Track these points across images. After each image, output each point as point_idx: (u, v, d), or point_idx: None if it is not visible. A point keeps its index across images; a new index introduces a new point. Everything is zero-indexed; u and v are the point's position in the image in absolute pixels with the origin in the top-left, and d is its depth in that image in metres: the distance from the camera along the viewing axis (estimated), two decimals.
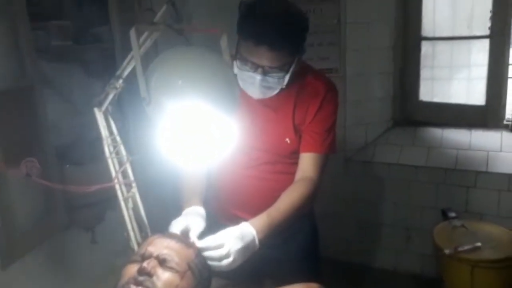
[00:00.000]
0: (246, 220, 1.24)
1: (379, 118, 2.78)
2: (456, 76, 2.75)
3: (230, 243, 1.12)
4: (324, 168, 1.42)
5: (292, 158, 1.42)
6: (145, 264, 0.97)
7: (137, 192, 1.22)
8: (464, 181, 2.47)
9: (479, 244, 1.99)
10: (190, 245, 1.10)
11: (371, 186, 2.71)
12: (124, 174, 1.22)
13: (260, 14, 1.21)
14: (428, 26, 2.69)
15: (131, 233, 1.18)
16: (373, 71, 2.69)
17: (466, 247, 1.97)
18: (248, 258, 1.37)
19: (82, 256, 2.03)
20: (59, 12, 2.38)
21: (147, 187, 1.38)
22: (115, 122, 1.26)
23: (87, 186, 1.14)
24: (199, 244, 1.12)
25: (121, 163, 1.21)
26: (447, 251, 1.98)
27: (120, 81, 1.14)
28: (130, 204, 1.20)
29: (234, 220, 1.30)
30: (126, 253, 1.20)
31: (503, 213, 2.40)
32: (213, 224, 1.28)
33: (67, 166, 2.04)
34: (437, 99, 2.77)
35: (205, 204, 1.35)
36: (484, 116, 2.61)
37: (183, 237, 1.15)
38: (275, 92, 1.31)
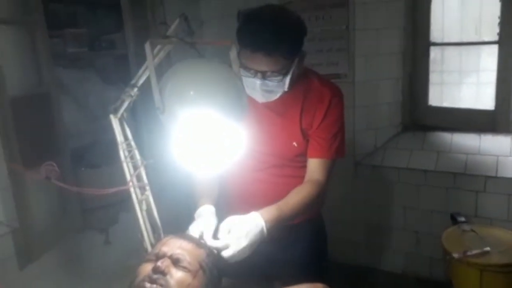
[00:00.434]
0: None
1: (388, 122, 2.80)
2: (465, 81, 2.76)
3: (234, 244, 1.16)
4: (331, 171, 1.46)
5: (300, 161, 1.46)
6: (159, 263, 1.02)
7: (150, 195, 1.27)
8: (474, 186, 2.47)
9: (488, 248, 2.00)
10: (201, 245, 1.14)
11: (381, 190, 2.73)
12: (138, 178, 1.27)
13: (255, 22, 1.27)
14: (437, 31, 2.70)
15: (145, 234, 1.23)
16: (382, 76, 2.71)
17: (475, 252, 1.98)
18: (257, 260, 1.41)
19: (97, 256, 2.09)
20: (74, 20, 2.45)
21: (160, 191, 1.42)
22: (129, 128, 1.31)
23: (102, 188, 1.19)
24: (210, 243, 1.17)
25: (135, 167, 1.26)
26: (456, 255, 1.99)
27: (135, 89, 1.19)
28: (144, 207, 1.25)
29: None
30: (139, 254, 1.25)
31: None
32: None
33: (83, 169, 2.10)
34: (446, 103, 2.78)
35: (217, 205, 1.39)
36: (493, 121, 2.61)
37: (195, 237, 1.19)
38: (278, 95, 1.36)
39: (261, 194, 1.32)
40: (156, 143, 2.16)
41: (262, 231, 1.21)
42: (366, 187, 2.76)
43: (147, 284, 0.99)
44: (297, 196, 1.35)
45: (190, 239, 1.15)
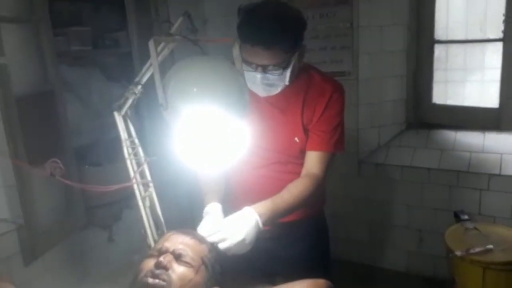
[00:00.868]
0: None
1: (392, 120, 2.80)
2: (469, 79, 2.75)
3: (230, 237, 1.18)
4: (329, 165, 1.46)
5: (303, 157, 1.46)
6: (161, 258, 1.03)
7: (154, 192, 1.28)
8: (477, 184, 2.46)
9: (491, 246, 2.00)
10: (203, 241, 1.15)
11: (384, 188, 2.73)
12: (142, 175, 1.28)
13: (254, 16, 1.29)
14: (441, 29, 2.69)
15: (148, 231, 1.24)
16: (386, 74, 2.70)
17: (477, 249, 1.98)
18: (259, 257, 1.42)
19: (100, 253, 2.10)
20: (79, 19, 2.46)
21: (163, 187, 1.43)
22: (133, 126, 1.32)
23: (105, 186, 1.20)
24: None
25: (139, 164, 1.27)
26: (458, 253, 1.99)
27: (139, 87, 1.20)
28: (147, 203, 1.26)
29: None
30: (142, 250, 1.26)
31: None
32: None
33: (86, 166, 2.12)
34: (450, 101, 2.77)
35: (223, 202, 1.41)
36: (498, 119, 2.60)
37: (197, 233, 1.20)
38: (279, 89, 1.37)
39: (265, 191, 1.33)
40: (159, 140, 2.17)
41: (257, 224, 1.22)
42: (370, 185, 2.75)
43: (150, 279, 1.00)
44: (292, 190, 1.35)
45: (192, 234, 1.16)
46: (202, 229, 1.23)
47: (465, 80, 2.75)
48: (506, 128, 2.57)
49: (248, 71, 1.29)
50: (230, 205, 1.38)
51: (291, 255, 1.53)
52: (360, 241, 2.85)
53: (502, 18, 2.48)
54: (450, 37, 2.70)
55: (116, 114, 1.29)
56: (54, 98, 1.91)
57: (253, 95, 1.23)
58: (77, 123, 2.16)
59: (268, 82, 1.33)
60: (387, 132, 2.79)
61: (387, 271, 2.78)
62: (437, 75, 2.76)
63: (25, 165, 1.64)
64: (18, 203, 1.72)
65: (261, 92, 1.37)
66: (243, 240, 1.18)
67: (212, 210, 1.34)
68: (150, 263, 1.05)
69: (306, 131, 1.45)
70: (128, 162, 1.27)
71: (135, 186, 1.25)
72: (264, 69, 1.31)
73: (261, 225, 1.23)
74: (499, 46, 2.53)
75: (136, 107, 1.32)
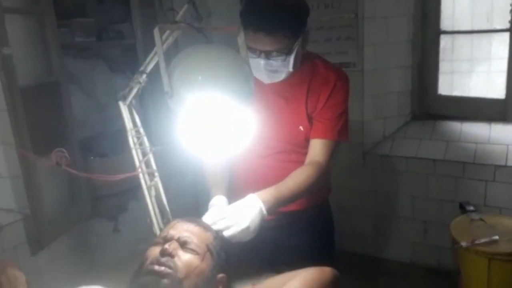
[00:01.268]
0: None
1: (397, 112, 2.78)
2: (476, 70, 2.73)
3: (235, 225, 1.18)
4: (333, 154, 1.45)
5: (306, 147, 1.46)
6: (166, 245, 1.03)
7: (159, 181, 1.28)
8: (483, 175, 2.45)
9: (496, 237, 1.99)
10: (208, 228, 1.15)
11: (389, 179, 2.72)
12: (147, 164, 1.28)
13: (256, 3, 1.30)
14: (447, 19, 2.67)
15: (154, 220, 1.24)
16: (392, 65, 2.69)
17: (483, 240, 1.97)
18: (264, 247, 1.43)
19: (106, 243, 2.12)
20: (82, 10, 2.46)
21: (168, 177, 1.44)
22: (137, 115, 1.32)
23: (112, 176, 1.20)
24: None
25: (144, 154, 1.27)
26: (464, 244, 1.98)
27: (144, 76, 1.20)
28: (153, 192, 1.26)
29: None
30: (148, 240, 1.26)
31: None
32: None
33: (91, 158, 2.12)
34: (456, 92, 2.75)
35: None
36: (504, 110, 2.59)
37: (202, 221, 1.20)
38: (283, 75, 1.37)
39: (269, 180, 1.33)
40: (163, 130, 2.17)
41: (261, 211, 1.22)
42: (375, 177, 2.75)
43: (156, 267, 1.00)
44: (296, 178, 1.35)
45: (197, 222, 1.16)
46: (207, 218, 1.24)
47: (471, 71, 2.73)
48: None
49: (252, 58, 1.29)
50: (234, 194, 1.38)
51: (296, 244, 1.54)
52: (365, 232, 2.85)
53: (509, 8, 2.46)
54: (456, 28, 2.67)
55: (121, 103, 1.29)
56: (59, 89, 1.91)
57: (257, 84, 1.22)
58: (82, 114, 2.16)
59: (272, 69, 1.33)
60: (392, 123, 2.78)
61: (392, 262, 2.78)
62: (443, 66, 2.74)
63: (31, 155, 1.65)
64: (24, 194, 1.73)
65: (265, 79, 1.37)
66: (248, 228, 1.18)
67: (217, 203, 1.34)
68: (155, 251, 1.05)
69: (310, 119, 1.44)
70: (134, 151, 1.27)
71: (141, 176, 1.26)
72: (267, 55, 1.31)
73: (265, 212, 1.22)
74: (506, 36, 2.50)
75: (140, 97, 1.31)
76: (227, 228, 1.18)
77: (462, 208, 2.31)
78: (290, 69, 1.35)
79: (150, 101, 2.31)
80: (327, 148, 1.42)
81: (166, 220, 1.27)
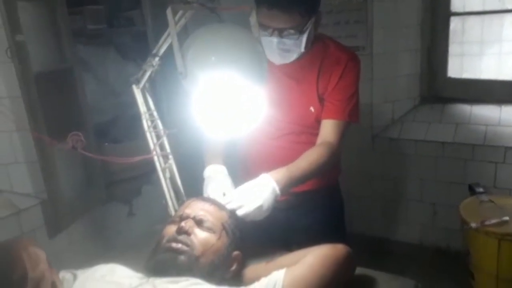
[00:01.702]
0: None
1: (406, 95, 2.78)
2: (486, 52, 2.70)
3: (248, 204, 1.19)
4: (344, 135, 1.46)
5: (317, 128, 1.47)
6: (182, 223, 1.06)
7: (173, 163, 1.31)
8: (493, 157, 2.45)
9: (506, 218, 2.00)
10: (223, 207, 1.18)
11: (398, 162, 2.73)
12: (161, 147, 1.31)
13: None
14: (458, 0, 2.64)
15: (169, 201, 1.27)
16: (401, 48, 2.67)
17: (493, 221, 1.99)
18: (276, 227, 1.45)
19: (122, 226, 2.17)
20: None
21: (182, 160, 1.46)
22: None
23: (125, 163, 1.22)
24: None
25: (158, 137, 1.30)
26: (473, 225, 2.00)
27: (157, 59, 1.21)
28: (167, 174, 1.29)
29: None
30: (163, 221, 1.29)
31: None
32: None
33: (106, 144, 2.15)
34: (466, 75, 2.73)
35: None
36: None
37: (217, 200, 1.23)
38: (295, 55, 1.37)
39: (279, 161, 1.34)
40: (175, 114, 2.19)
41: (274, 191, 1.23)
42: (384, 160, 2.76)
43: (173, 244, 1.03)
44: (308, 158, 1.36)
45: (212, 201, 1.19)
46: (213, 193, 1.26)
47: (482, 53, 2.70)
48: None
49: (264, 37, 1.29)
50: (245, 175, 1.40)
51: (307, 224, 1.56)
52: (374, 215, 2.88)
53: None
54: (467, 9, 2.64)
55: (134, 87, 1.31)
56: (72, 75, 1.93)
57: (268, 66, 1.24)
58: (96, 101, 2.19)
59: (284, 47, 1.33)
60: (401, 106, 2.78)
61: (401, 243, 2.81)
62: (453, 48, 2.72)
63: (47, 139, 1.68)
64: (40, 179, 1.77)
65: (277, 58, 1.37)
66: (261, 206, 1.19)
67: (218, 174, 1.37)
68: (172, 229, 1.08)
69: (321, 100, 1.45)
70: (148, 134, 1.30)
71: (155, 158, 1.28)
72: (281, 33, 1.31)
73: (278, 192, 1.23)
74: None
75: (152, 82, 1.33)
76: (241, 207, 1.19)
77: (472, 190, 2.32)
78: (302, 49, 1.35)
79: (162, 85, 2.33)
80: (338, 129, 1.43)
81: (180, 202, 1.30)
